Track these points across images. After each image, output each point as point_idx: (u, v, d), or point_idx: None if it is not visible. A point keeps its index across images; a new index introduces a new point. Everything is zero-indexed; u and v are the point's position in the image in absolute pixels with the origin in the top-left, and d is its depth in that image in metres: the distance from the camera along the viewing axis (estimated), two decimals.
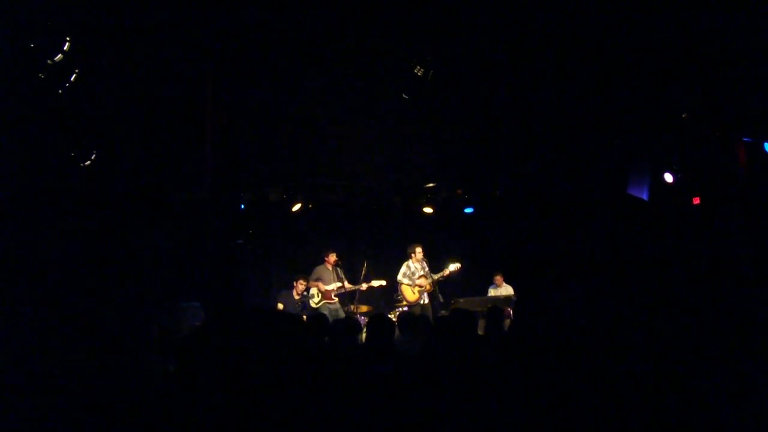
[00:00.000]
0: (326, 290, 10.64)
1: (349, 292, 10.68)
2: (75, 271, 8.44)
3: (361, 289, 10.58)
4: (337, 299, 10.70)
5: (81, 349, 4.63)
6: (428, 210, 12.32)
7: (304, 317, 8.31)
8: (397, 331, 7.56)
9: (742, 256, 8.76)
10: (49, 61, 6.51)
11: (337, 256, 10.86)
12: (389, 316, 8.89)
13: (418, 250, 10.81)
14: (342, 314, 10.47)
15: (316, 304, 10.63)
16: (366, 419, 3.43)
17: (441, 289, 10.73)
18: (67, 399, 3.45)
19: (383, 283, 10.81)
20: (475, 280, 11.88)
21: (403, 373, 4.07)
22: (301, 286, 10.68)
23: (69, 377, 3.84)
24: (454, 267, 10.71)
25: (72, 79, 6.87)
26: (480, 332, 6.54)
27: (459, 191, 12.43)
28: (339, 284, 10.64)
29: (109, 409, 3.31)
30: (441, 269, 10.73)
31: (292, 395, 3.36)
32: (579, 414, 3.50)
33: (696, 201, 9.88)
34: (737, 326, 4.90)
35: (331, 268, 10.79)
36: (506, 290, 11.37)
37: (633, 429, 3.39)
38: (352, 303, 10.61)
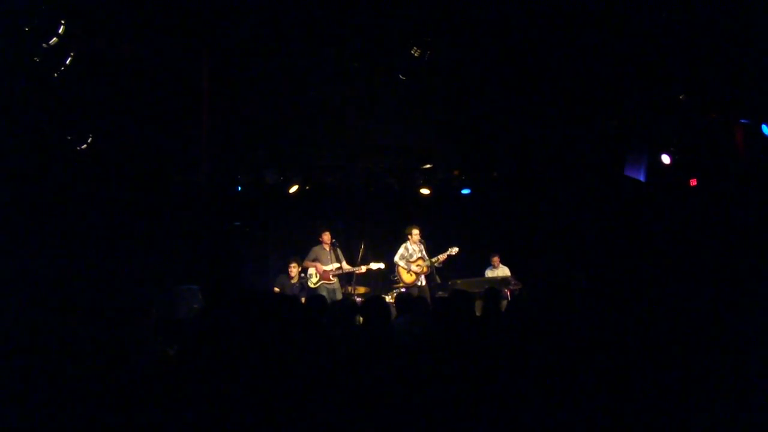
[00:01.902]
0: (324, 271, 10.63)
1: (347, 273, 10.69)
2: (71, 255, 8.44)
3: (358, 272, 10.59)
4: (335, 279, 10.69)
5: (79, 333, 4.63)
6: (425, 191, 12.32)
7: (303, 299, 8.34)
8: (395, 312, 7.61)
9: (740, 237, 8.80)
10: (44, 45, 6.47)
11: (331, 235, 10.85)
12: (386, 297, 8.92)
13: (415, 231, 10.83)
14: (340, 295, 10.49)
15: (314, 284, 10.63)
16: (365, 401, 3.45)
17: (438, 270, 10.77)
18: (64, 383, 3.46)
19: (381, 266, 10.80)
20: (472, 261, 11.90)
21: (401, 354, 4.09)
22: (294, 269, 10.70)
23: (66, 361, 3.85)
24: (452, 251, 10.75)
25: (67, 62, 6.82)
26: (477, 313, 6.57)
27: (456, 172, 12.42)
28: (337, 265, 10.63)
29: (108, 393, 3.33)
30: (439, 252, 10.76)
31: (291, 379, 3.38)
32: (576, 394, 3.53)
33: (693, 182, 9.90)
34: (735, 306, 4.93)
35: (328, 249, 10.74)
36: (503, 271, 11.40)
37: (629, 407, 3.42)
38: (350, 284, 10.64)
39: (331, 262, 10.65)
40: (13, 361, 3.78)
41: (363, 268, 10.57)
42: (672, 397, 3.45)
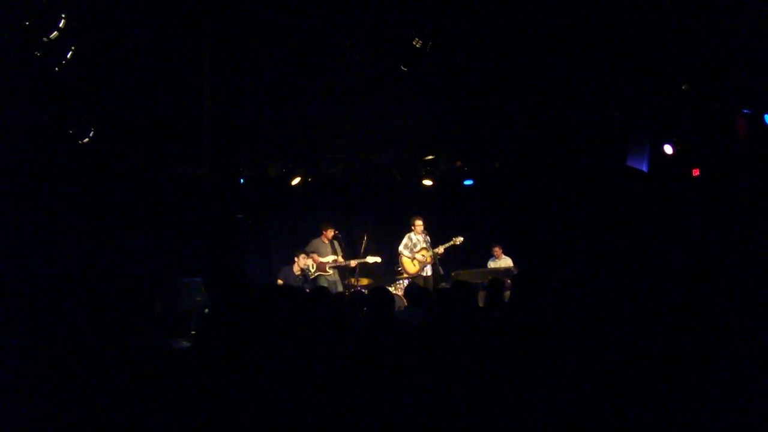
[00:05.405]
0: (320, 262, 10.70)
1: (344, 266, 10.72)
2: (73, 249, 8.45)
3: (351, 265, 10.61)
4: (333, 271, 10.73)
5: (82, 327, 4.65)
6: (428, 182, 12.32)
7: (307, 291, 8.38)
8: (403, 303, 7.62)
9: (742, 227, 8.78)
10: (44, 39, 6.45)
11: (335, 231, 10.87)
12: (390, 288, 8.94)
13: (418, 222, 10.84)
14: (340, 287, 10.58)
15: (312, 275, 10.71)
16: (368, 391, 3.47)
17: (441, 261, 10.79)
18: (68, 377, 3.48)
19: (378, 259, 10.82)
20: (474, 252, 11.92)
21: (405, 344, 4.11)
22: (302, 260, 10.75)
23: (71, 354, 3.86)
24: (456, 241, 10.77)
25: (68, 56, 6.81)
26: (480, 304, 6.58)
27: (458, 163, 12.41)
28: (334, 257, 10.69)
29: (113, 386, 3.35)
30: (442, 242, 10.77)
31: (296, 370, 3.39)
32: (578, 385, 3.54)
33: (696, 173, 9.88)
34: (737, 297, 4.93)
35: (327, 241, 10.83)
36: (505, 262, 11.42)
37: (630, 399, 3.43)
38: (353, 276, 10.66)
39: (329, 255, 10.71)
40: (16, 355, 3.80)
41: (354, 263, 10.58)
42: (675, 386, 3.46)
